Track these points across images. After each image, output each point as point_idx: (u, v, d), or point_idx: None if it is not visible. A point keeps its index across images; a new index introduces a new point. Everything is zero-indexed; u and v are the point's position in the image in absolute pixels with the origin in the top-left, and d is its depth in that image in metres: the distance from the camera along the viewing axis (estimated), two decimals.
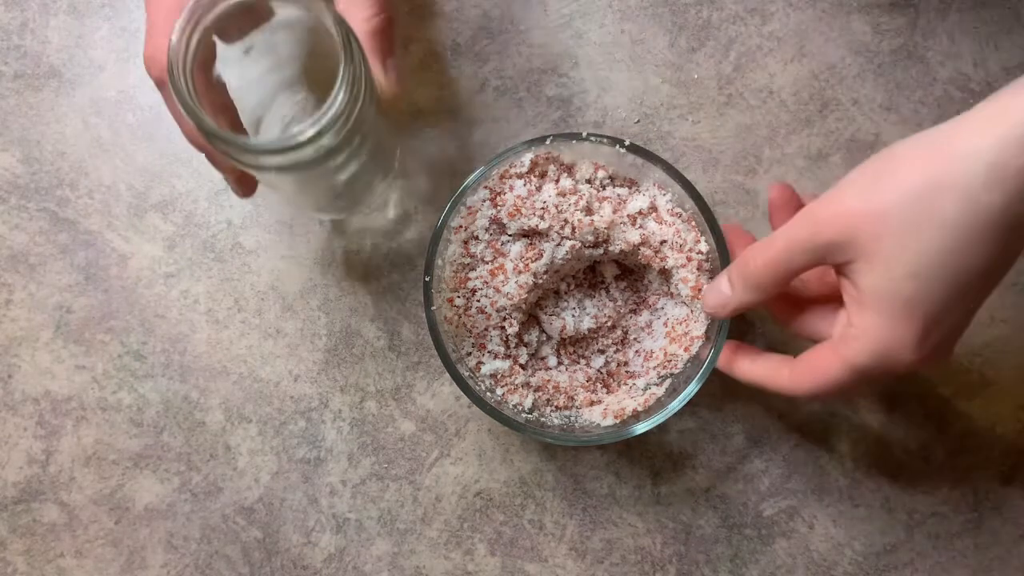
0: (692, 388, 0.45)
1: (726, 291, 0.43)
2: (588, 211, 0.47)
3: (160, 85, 0.41)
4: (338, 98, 0.37)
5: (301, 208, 0.53)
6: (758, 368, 0.43)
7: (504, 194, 0.47)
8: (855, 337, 0.37)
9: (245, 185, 0.46)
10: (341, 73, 0.36)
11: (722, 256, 0.46)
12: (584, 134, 0.46)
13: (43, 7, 0.56)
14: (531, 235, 0.47)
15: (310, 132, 0.36)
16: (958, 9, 0.54)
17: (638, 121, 0.54)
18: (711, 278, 0.46)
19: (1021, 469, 0.52)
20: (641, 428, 0.45)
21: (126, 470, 0.53)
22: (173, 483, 0.52)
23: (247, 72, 0.43)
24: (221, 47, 0.40)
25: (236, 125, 0.42)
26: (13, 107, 0.55)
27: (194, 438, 0.53)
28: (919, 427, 0.52)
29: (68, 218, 0.54)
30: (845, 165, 0.54)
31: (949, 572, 0.51)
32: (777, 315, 0.44)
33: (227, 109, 0.42)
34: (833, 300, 0.41)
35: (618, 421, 0.47)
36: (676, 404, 0.45)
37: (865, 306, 0.37)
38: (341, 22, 0.37)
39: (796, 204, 0.44)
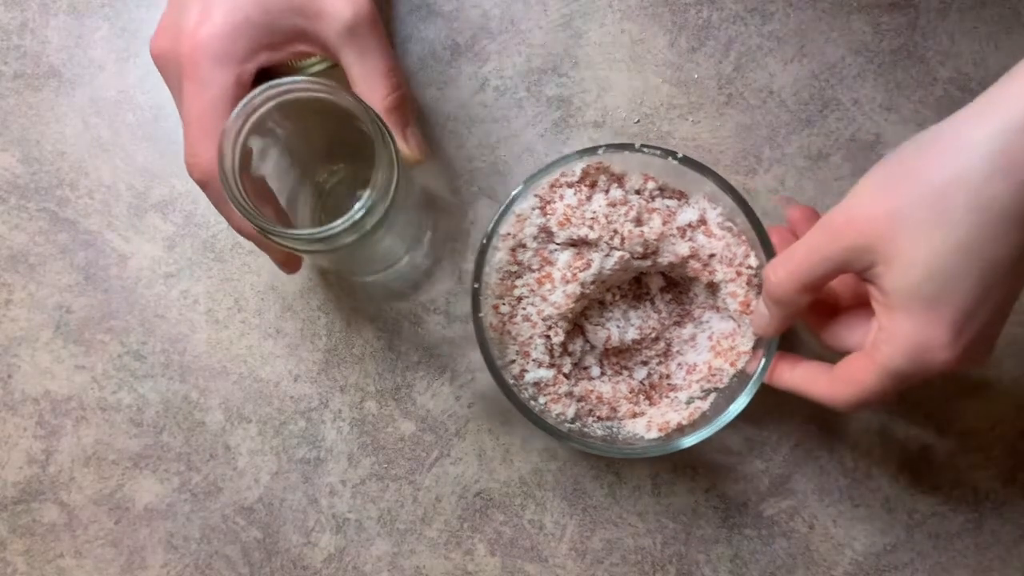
0: (742, 402, 0.45)
1: (763, 311, 0.42)
2: (638, 222, 0.47)
3: (203, 186, 0.42)
4: (377, 181, 0.39)
5: (342, 275, 0.53)
6: (797, 376, 0.43)
7: (554, 203, 0.47)
8: (886, 341, 0.37)
9: (291, 264, 0.48)
10: (377, 160, 0.38)
11: None
12: (637, 145, 0.46)
13: (43, 7, 0.56)
14: (579, 244, 0.47)
15: (357, 216, 0.39)
16: (958, 9, 0.54)
17: (638, 121, 0.54)
18: (759, 293, 0.46)
19: (1021, 469, 0.52)
20: (689, 441, 0.45)
21: (126, 470, 0.53)
22: (173, 483, 0.52)
23: (282, 160, 0.46)
24: (257, 143, 0.42)
25: (278, 211, 0.44)
26: (13, 107, 0.55)
27: (194, 438, 0.53)
28: (919, 427, 0.52)
29: (68, 218, 0.54)
30: (845, 165, 0.54)
31: (949, 572, 0.51)
32: (814, 329, 0.44)
33: (269, 198, 0.43)
34: (867, 310, 0.40)
35: (662, 434, 0.47)
36: (724, 418, 0.45)
37: (892, 309, 0.36)
38: (370, 113, 0.39)
39: (815, 218, 0.44)
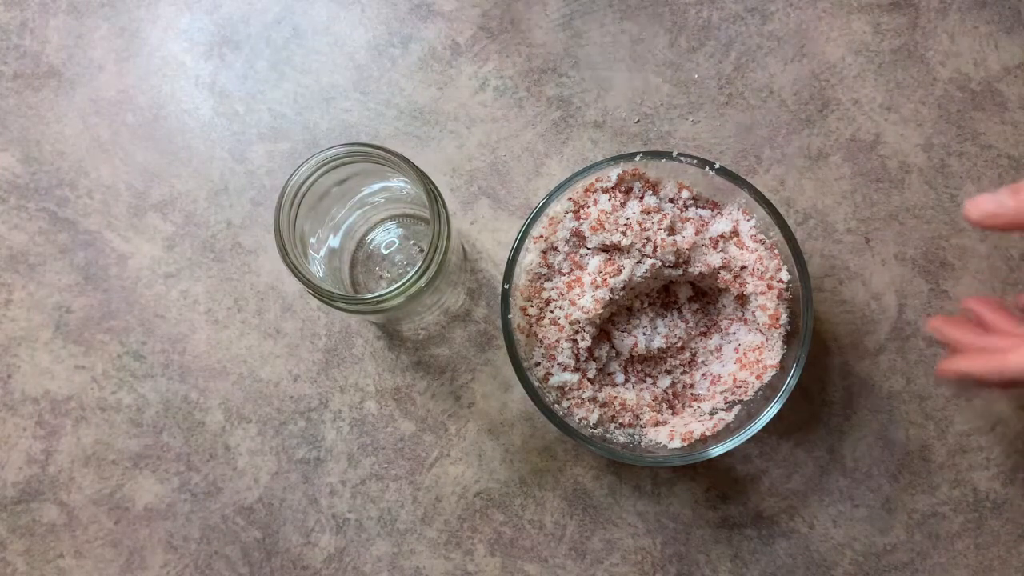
0: (771, 412, 0.45)
1: (1007, 202, 0.41)
2: (671, 231, 0.47)
3: None
4: (433, 250, 0.42)
5: (376, 323, 0.54)
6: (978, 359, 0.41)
7: (588, 207, 0.47)
8: None
9: None
10: (433, 234, 0.42)
11: (804, 286, 0.45)
12: (674, 153, 0.46)
13: (43, 7, 0.56)
14: (611, 250, 0.47)
15: (411, 282, 0.42)
16: (958, 9, 0.54)
17: (638, 121, 0.54)
18: (790, 307, 0.47)
19: (1021, 469, 0.52)
20: (715, 451, 0.45)
21: (126, 470, 0.53)
22: (173, 483, 0.52)
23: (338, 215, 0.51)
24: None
25: None
26: (13, 107, 0.55)
27: (194, 438, 0.53)
28: (919, 427, 0.52)
29: (68, 218, 0.54)
30: (845, 165, 0.54)
31: (949, 572, 0.51)
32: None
33: None
34: None
35: (685, 444, 0.47)
36: (752, 429, 0.45)
37: None
38: (428, 184, 0.42)
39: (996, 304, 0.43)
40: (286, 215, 0.42)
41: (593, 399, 0.48)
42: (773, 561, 0.52)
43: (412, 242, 0.52)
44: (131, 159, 0.54)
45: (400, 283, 0.42)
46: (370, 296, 0.42)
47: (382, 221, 0.52)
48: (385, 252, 0.52)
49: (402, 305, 0.43)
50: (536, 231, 0.47)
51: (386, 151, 0.42)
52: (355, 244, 0.52)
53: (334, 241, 0.49)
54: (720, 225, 0.48)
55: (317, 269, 0.47)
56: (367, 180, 0.47)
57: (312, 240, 0.47)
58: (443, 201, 0.43)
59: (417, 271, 0.42)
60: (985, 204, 0.41)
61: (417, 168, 0.42)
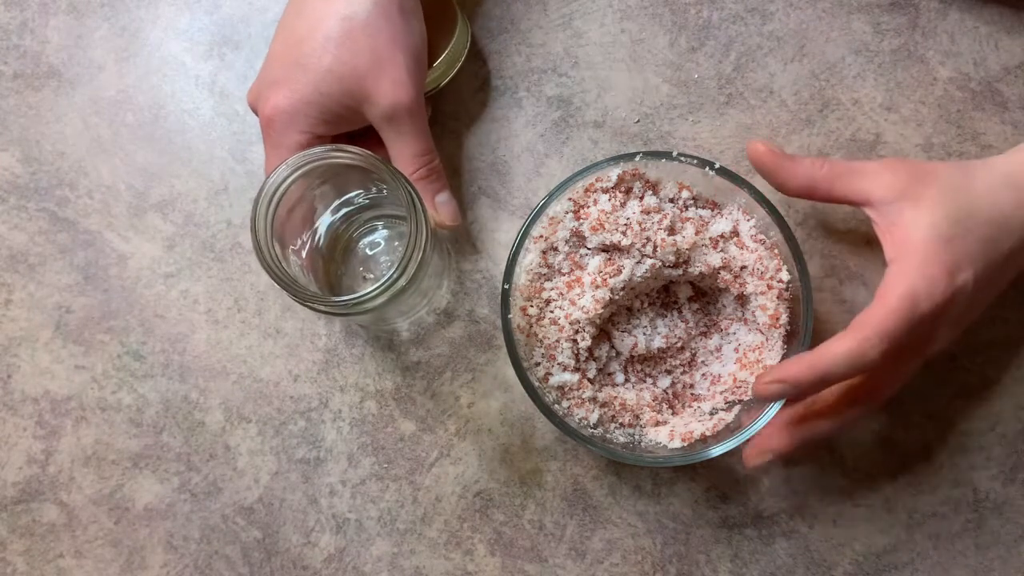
0: (771, 412, 0.45)
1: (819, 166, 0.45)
2: (671, 231, 0.47)
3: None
4: (410, 246, 0.42)
5: (361, 324, 0.54)
6: (820, 357, 0.41)
7: (588, 207, 0.47)
8: (899, 271, 0.42)
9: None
10: (410, 234, 0.42)
11: (804, 286, 0.45)
12: (674, 153, 0.46)
13: (43, 7, 0.56)
14: (611, 250, 0.47)
15: (390, 281, 0.42)
16: (958, 9, 0.54)
17: (638, 121, 0.54)
18: (790, 307, 0.47)
19: (1021, 469, 0.52)
20: (715, 451, 0.45)
21: (126, 470, 0.53)
22: (173, 483, 0.52)
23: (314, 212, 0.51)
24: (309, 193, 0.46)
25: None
26: (13, 107, 0.55)
27: (194, 438, 0.53)
28: (919, 427, 0.52)
29: (68, 218, 0.54)
30: None
31: (949, 572, 0.51)
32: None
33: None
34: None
35: (685, 444, 0.47)
36: (748, 432, 0.45)
37: (905, 242, 0.42)
38: (402, 181, 0.42)
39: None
40: (262, 217, 0.42)
41: (593, 399, 0.48)
42: (773, 561, 0.52)
43: (397, 243, 0.52)
44: (131, 159, 0.55)
45: (380, 283, 0.42)
46: (350, 297, 0.42)
47: (367, 222, 0.52)
48: (370, 253, 0.52)
49: (384, 305, 0.43)
50: (536, 231, 0.47)
51: (361, 153, 0.42)
52: (341, 245, 0.52)
53: (317, 242, 0.49)
54: (720, 225, 0.48)
55: (300, 270, 0.47)
56: (350, 181, 0.47)
57: (296, 241, 0.47)
58: (420, 201, 0.43)
59: (396, 270, 0.42)
60: (798, 168, 0.45)
61: (393, 169, 0.42)
